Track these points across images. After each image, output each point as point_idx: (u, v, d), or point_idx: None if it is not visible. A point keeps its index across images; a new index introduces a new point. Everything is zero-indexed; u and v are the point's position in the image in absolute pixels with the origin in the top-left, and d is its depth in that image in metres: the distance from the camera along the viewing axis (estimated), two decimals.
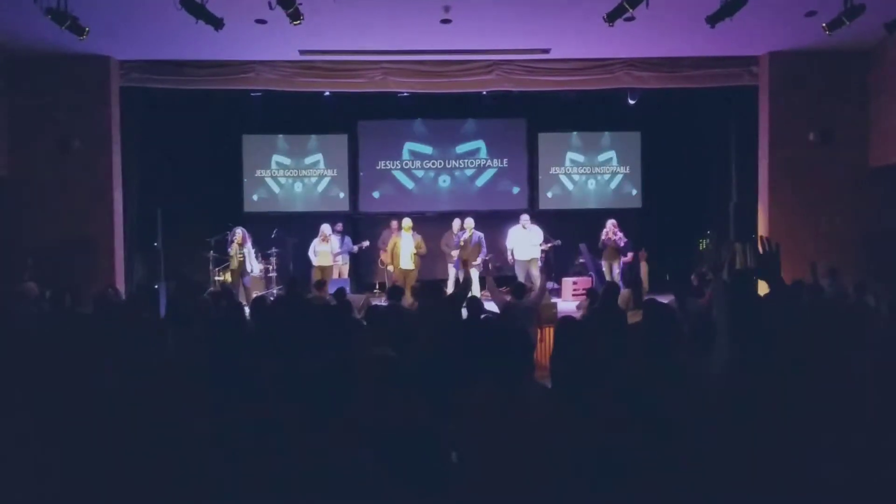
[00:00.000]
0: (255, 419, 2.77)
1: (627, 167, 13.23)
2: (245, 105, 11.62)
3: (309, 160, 12.98)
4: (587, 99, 11.70)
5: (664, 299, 6.31)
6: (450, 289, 9.86)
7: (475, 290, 9.65)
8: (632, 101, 11.49)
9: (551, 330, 7.86)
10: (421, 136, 13.14)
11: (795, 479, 2.45)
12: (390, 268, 10.81)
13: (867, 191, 9.93)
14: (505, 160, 13.16)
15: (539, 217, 11.74)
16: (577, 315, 7.60)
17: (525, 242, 10.80)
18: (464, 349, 4.66)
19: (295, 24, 7.38)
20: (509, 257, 10.91)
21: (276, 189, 12.93)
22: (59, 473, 2.66)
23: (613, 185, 13.29)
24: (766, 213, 10.15)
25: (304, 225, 11.81)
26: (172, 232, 10.25)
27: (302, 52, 9.74)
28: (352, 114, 12.49)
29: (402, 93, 11.19)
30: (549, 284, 11.17)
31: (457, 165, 13.14)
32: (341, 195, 13.02)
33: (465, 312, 6.35)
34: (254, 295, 9.18)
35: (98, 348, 4.43)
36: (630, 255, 10.84)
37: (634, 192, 13.24)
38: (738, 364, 3.18)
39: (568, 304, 10.65)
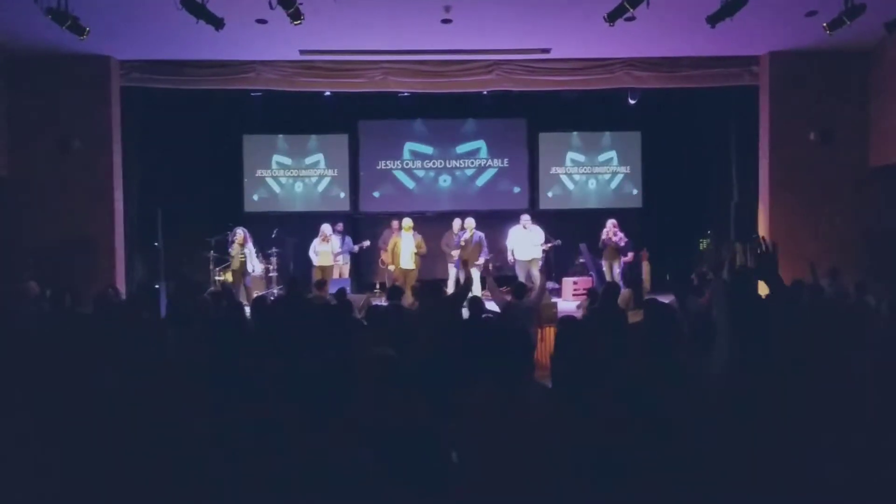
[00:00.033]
0: (255, 419, 2.77)
1: (628, 167, 13.22)
2: (245, 105, 11.62)
3: (309, 160, 12.98)
4: (587, 99, 11.70)
5: (665, 299, 6.30)
6: (450, 289, 9.85)
7: (476, 289, 9.64)
8: (632, 101, 11.49)
9: (552, 330, 7.87)
10: (421, 136, 13.14)
11: (795, 479, 2.45)
12: (391, 267, 10.81)
13: (867, 190, 9.92)
14: (505, 160, 13.15)
15: (539, 217, 11.74)
16: (578, 315, 7.60)
17: (526, 242, 10.79)
18: (464, 349, 4.67)
19: (295, 24, 7.38)
20: (510, 257, 10.90)
21: (276, 189, 12.93)
22: (59, 473, 2.66)
23: (614, 184, 13.29)
24: (767, 213, 10.15)
25: (304, 225, 11.80)
26: (173, 232, 10.25)
27: (302, 52, 9.73)
28: (352, 114, 12.48)
29: (403, 93, 11.19)
30: (550, 284, 11.18)
31: (457, 165, 13.13)
32: (342, 195, 13.02)
33: (466, 312, 6.35)
34: (254, 295, 9.18)
35: (98, 348, 4.43)
36: (630, 254, 10.83)
37: (635, 191, 13.23)
38: (738, 364, 3.18)
39: (568, 303, 10.65)
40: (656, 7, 7.24)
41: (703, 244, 12.12)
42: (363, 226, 12.86)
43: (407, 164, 13.10)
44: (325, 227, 10.99)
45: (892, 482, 2.47)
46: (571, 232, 11.88)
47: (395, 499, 2.19)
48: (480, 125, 13.10)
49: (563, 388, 3.84)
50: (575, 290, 11.32)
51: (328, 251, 10.90)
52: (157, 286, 9.51)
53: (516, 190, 13.16)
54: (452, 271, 10.95)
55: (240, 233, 10.41)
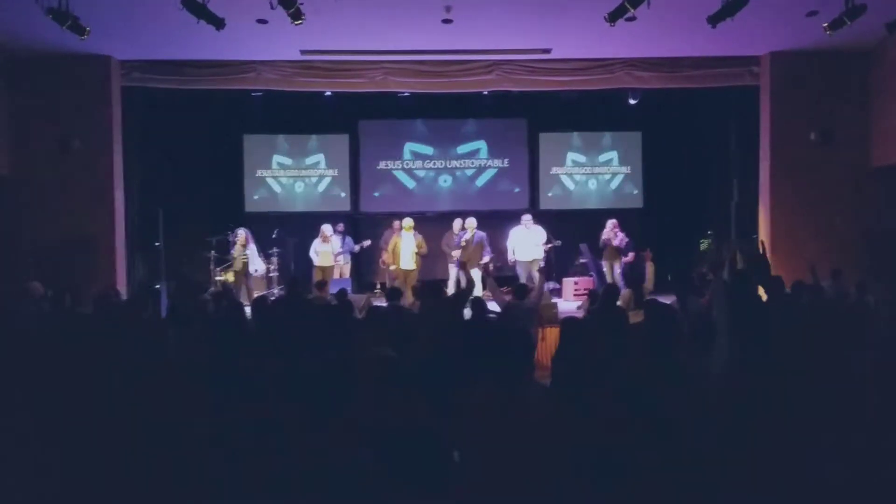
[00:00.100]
0: (255, 419, 2.77)
1: (628, 167, 13.21)
2: (246, 105, 11.62)
3: (310, 160, 12.97)
4: (588, 99, 11.69)
5: (666, 299, 6.30)
6: (450, 289, 9.85)
7: (476, 289, 9.63)
8: (633, 102, 11.49)
9: (552, 330, 7.87)
10: (422, 136, 13.13)
11: (795, 479, 2.45)
12: (392, 267, 10.81)
13: (868, 190, 9.92)
14: (506, 160, 13.15)
15: (540, 217, 11.72)
16: (579, 316, 7.60)
17: (528, 243, 10.78)
18: (464, 349, 4.67)
19: (296, 24, 7.37)
20: (510, 257, 10.89)
21: (277, 189, 12.92)
22: (59, 473, 2.66)
23: (614, 185, 13.28)
24: (767, 213, 10.14)
25: (304, 225, 11.79)
26: (173, 232, 10.24)
27: (303, 52, 9.74)
28: (353, 114, 12.48)
29: (403, 93, 11.18)
30: (551, 284, 11.18)
31: (458, 165, 13.13)
32: (342, 195, 13.02)
33: (468, 313, 6.35)
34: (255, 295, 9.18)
35: (98, 348, 4.43)
36: (631, 255, 10.82)
37: (635, 192, 13.23)
38: (738, 364, 3.18)
39: (569, 304, 10.65)
40: (657, 7, 7.24)
41: (704, 244, 12.12)
42: (364, 226, 12.86)
43: (407, 165, 13.09)
44: (326, 228, 10.99)
45: (892, 482, 2.47)
46: (572, 232, 11.87)
47: (395, 499, 2.19)
48: (481, 125, 13.10)
49: (563, 387, 3.84)
50: (576, 290, 11.32)
51: (329, 251, 10.90)
52: (157, 286, 9.51)
53: (516, 190, 13.16)
54: (453, 271, 10.95)
55: (241, 234, 10.41)
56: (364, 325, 5.79)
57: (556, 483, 2.65)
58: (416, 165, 13.08)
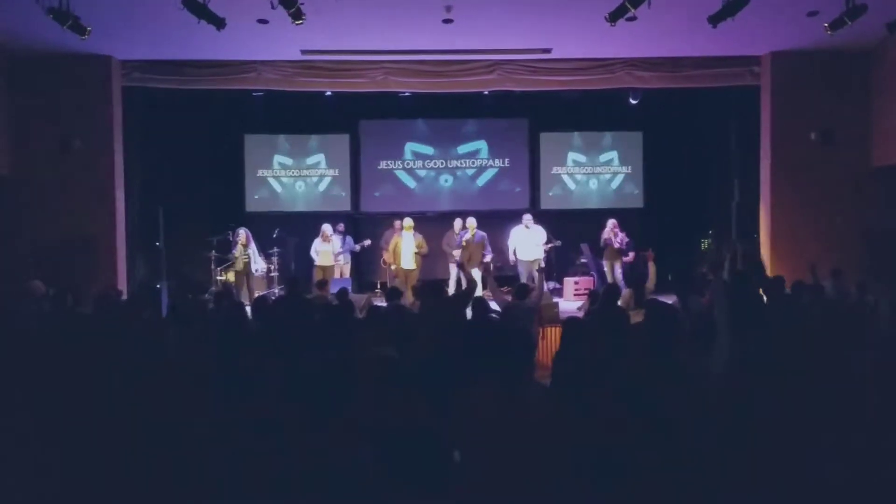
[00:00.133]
0: (255, 419, 2.77)
1: (629, 167, 13.21)
2: (246, 105, 11.62)
3: (310, 160, 12.97)
4: (589, 99, 11.68)
5: (667, 299, 6.30)
6: (451, 289, 9.84)
7: (476, 289, 9.63)
8: (633, 101, 11.48)
9: (552, 330, 7.87)
10: (422, 136, 13.13)
11: (795, 478, 2.45)
12: (393, 267, 10.81)
13: (868, 190, 9.91)
14: (506, 160, 13.14)
15: (540, 217, 11.72)
16: (580, 316, 7.59)
17: (528, 242, 10.78)
18: (465, 349, 4.67)
19: (297, 24, 7.38)
20: (511, 257, 10.89)
21: (277, 189, 12.92)
22: (59, 473, 2.66)
23: (615, 184, 13.28)
24: (768, 213, 10.14)
25: (305, 225, 11.80)
26: (174, 231, 10.24)
27: (303, 52, 9.74)
28: (353, 113, 12.48)
29: (404, 93, 11.19)
30: (551, 284, 11.18)
31: (458, 165, 13.13)
32: (343, 195, 13.02)
33: (470, 313, 6.34)
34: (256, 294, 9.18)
35: (99, 348, 4.43)
36: (632, 254, 10.82)
37: (636, 191, 13.22)
38: (738, 363, 3.18)
39: (570, 303, 10.64)
40: (658, 7, 7.23)
41: (705, 244, 12.12)
42: (364, 225, 12.86)
43: (408, 164, 13.09)
44: (326, 227, 11.00)
45: (892, 482, 2.47)
46: (572, 232, 11.88)
47: (396, 499, 2.19)
48: (481, 125, 13.09)
49: (563, 387, 3.84)
50: (576, 290, 11.32)
51: (329, 251, 10.91)
52: (158, 286, 9.51)
53: (517, 190, 13.16)
54: (453, 271, 10.95)
55: (242, 233, 10.42)
56: (364, 325, 5.79)
57: (556, 483, 2.65)
58: (416, 165, 13.08)
